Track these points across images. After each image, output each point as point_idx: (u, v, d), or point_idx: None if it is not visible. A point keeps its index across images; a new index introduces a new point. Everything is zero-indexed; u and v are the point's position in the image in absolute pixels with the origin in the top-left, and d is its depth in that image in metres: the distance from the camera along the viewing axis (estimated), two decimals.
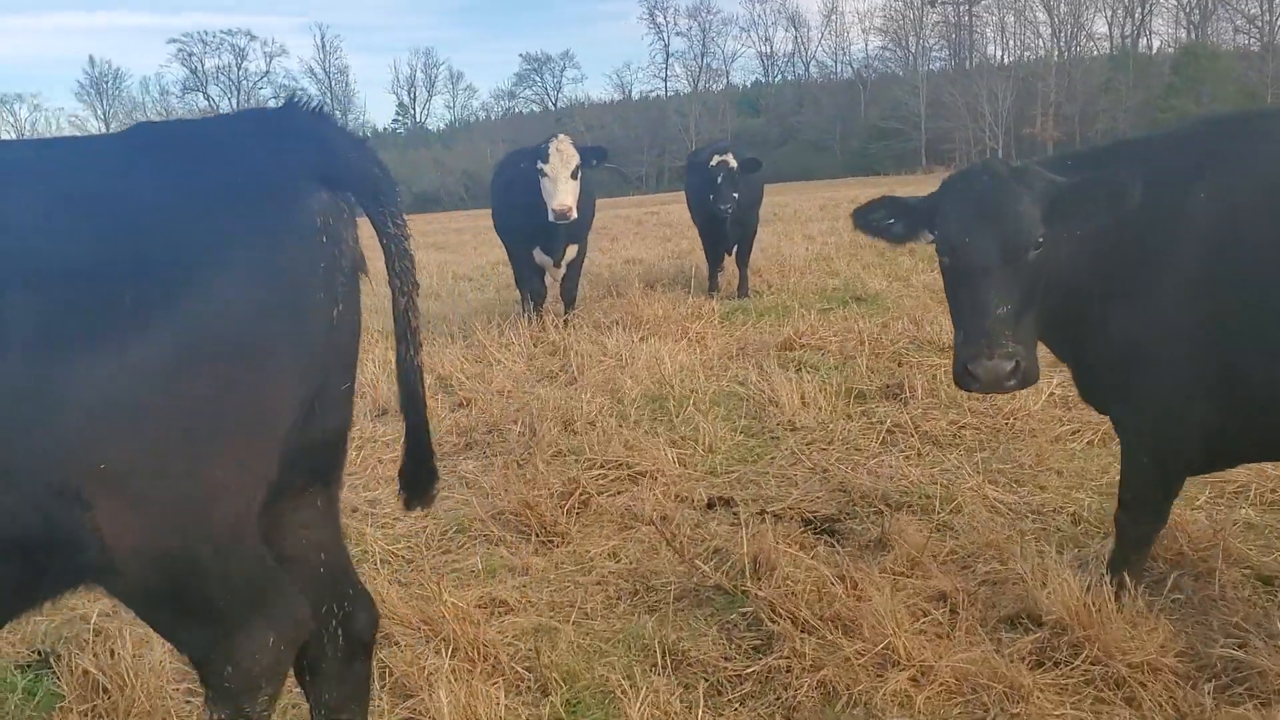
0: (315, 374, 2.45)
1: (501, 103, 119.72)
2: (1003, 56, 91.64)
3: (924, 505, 5.15)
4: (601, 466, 5.84)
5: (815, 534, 4.97)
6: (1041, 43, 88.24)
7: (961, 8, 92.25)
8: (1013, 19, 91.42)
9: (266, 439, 2.35)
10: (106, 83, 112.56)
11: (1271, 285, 3.21)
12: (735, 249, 12.23)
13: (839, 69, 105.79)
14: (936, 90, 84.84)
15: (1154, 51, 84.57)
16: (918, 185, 53.38)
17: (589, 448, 6.05)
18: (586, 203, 9.96)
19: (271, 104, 3.05)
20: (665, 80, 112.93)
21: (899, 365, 7.79)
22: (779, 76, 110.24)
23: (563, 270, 10.13)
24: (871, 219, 3.82)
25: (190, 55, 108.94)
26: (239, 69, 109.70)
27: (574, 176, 9.39)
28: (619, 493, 5.52)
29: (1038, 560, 4.13)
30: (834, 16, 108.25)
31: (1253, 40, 77.68)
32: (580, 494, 5.28)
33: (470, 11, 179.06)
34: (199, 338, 2.18)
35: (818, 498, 5.35)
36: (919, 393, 6.89)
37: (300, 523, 2.70)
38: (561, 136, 9.61)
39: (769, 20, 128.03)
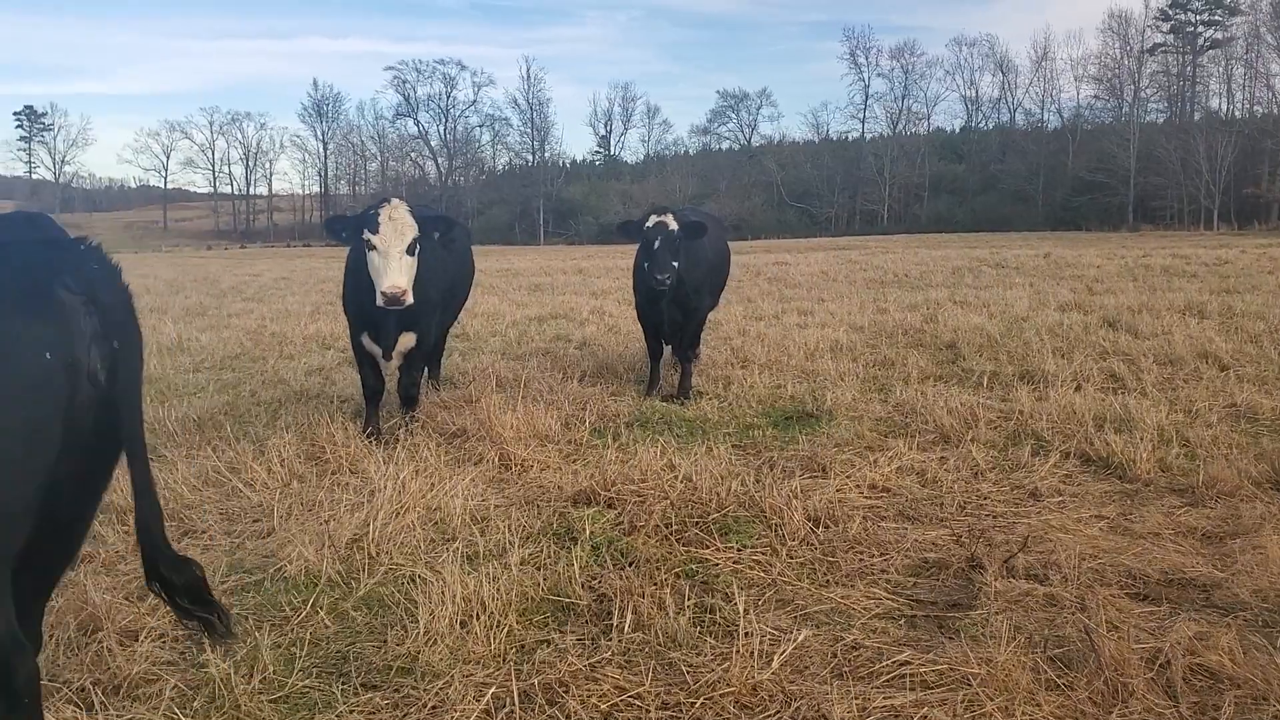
0: None
1: (697, 138, 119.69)
2: (1228, 110, 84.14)
3: None
4: None
5: None
6: (1273, 95, 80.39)
7: (1185, 57, 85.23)
8: (1241, 70, 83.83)
9: None
10: (327, 105, 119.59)
11: None
12: (675, 336, 9.92)
13: (1046, 117, 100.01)
14: (1149, 143, 78.66)
15: None
16: (1121, 243, 48.36)
17: None
18: (436, 281, 8.18)
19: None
20: (863, 121, 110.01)
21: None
22: (982, 122, 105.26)
23: (395, 362, 8.29)
24: None
25: (404, 82, 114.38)
26: (448, 97, 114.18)
27: (410, 252, 7.60)
28: None
29: None
30: (1045, 63, 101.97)
31: None
32: None
33: (678, 47, 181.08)
34: None
35: None
36: None
37: None
38: (395, 202, 7.78)
39: (975, 65, 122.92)
